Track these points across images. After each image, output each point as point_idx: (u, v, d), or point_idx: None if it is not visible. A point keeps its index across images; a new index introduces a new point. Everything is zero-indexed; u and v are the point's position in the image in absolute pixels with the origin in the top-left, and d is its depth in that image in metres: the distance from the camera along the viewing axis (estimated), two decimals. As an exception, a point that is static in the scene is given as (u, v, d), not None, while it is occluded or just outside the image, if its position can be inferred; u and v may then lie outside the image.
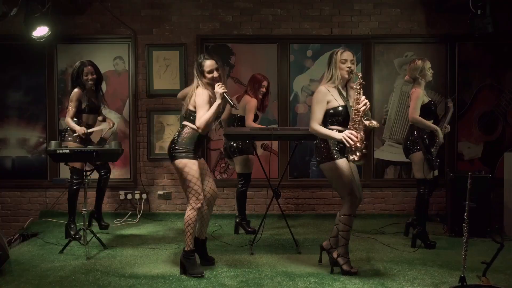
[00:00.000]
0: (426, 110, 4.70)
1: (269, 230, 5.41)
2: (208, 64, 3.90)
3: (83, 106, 5.06)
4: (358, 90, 3.72)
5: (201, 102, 3.82)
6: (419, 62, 4.75)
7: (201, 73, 3.92)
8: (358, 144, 3.63)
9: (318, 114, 3.80)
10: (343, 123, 3.80)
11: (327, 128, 3.79)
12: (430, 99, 4.78)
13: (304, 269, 4.02)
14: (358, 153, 3.66)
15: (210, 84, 3.92)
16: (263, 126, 5.28)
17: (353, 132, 3.64)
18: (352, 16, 6.25)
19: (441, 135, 4.68)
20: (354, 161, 3.71)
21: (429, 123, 4.68)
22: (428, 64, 4.74)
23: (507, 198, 5.43)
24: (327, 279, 3.75)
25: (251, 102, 5.14)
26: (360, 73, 3.78)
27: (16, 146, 6.31)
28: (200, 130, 3.81)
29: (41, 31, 5.33)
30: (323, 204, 6.24)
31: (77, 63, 5.12)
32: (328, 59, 3.92)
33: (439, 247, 4.73)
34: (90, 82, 5.07)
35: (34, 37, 5.36)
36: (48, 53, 6.24)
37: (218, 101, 3.82)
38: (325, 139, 3.81)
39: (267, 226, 5.42)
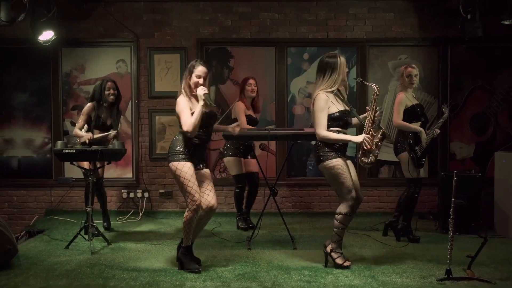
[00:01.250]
0: (412, 113, 4.92)
1: (267, 227, 5.60)
2: (200, 69, 3.97)
3: (92, 120, 5.19)
4: (375, 97, 4.03)
5: (180, 108, 3.91)
6: (401, 68, 5.02)
7: (190, 73, 3.99)
8: (373, 148, 3.92)
9: (323, 120, 3.94)
10: (343, 126, 4.03)
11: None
12: (414, 103, 4.95)
13: (299, 263, 4.20)
14: (372, 156, 3.95)
15: (192, 89, 3.99)
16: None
17: (370, 136, 3.91)
18: (347, 20, 6.45)
19: (424, 136, 4.89)
20: (366, 163, 3.98)
21: (412, 125, 4.88)
22: (411, 71, 4.91)
23: (498, 196, 5.60)
24: (320, 273, 3.93)
25: (238, 105, 5.37)
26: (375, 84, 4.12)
27: (22, 146, 6.51)
28: (189, 134, 3.86)
29: (47, 35, 5.52)
30: (319, 203, 6.43)
31: (98, 82, 5.37)
32: (324, 64, 4.01)
33: (429, 243, 4.93)
34: (111, 97, 5.20)
35: (40, 41, 5.56)
36: (53, 56, 6.44)
37: (200, 103, 3.86)
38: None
39: (264, 224, 5.62)
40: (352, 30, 6.45)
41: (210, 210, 4.01)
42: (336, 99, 4.03)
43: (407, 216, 5.04)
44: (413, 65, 4.98)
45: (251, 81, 5.45)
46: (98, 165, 5.16)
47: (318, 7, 6.43)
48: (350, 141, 3.94)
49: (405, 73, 4.92)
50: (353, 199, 3.93)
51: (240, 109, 5.34)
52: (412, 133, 4.91)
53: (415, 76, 4.91)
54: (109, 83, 5.22)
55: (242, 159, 5.47)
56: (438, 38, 6.40)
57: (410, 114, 4.92)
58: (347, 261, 4.07)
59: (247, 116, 5.38)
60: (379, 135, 3.98)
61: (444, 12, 6.13)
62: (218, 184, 6.43)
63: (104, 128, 5.23)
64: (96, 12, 6.42)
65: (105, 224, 5.53)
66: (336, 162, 3.92)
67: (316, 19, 6.44)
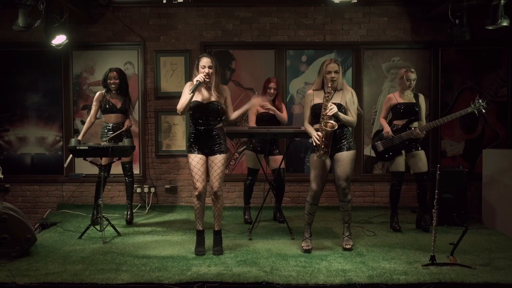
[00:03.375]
0: (393, 111, 5.44)
1: (267, 220, 5.92)
2: (204, 60, 4.36)
3: (103, 106, 5.69)
4: (327, 98, 4.33)
5: (182, 92, 4.41)
6: (402, 71, 5.37)
7: (197, 67, 4.41)
8: (322, 145, 4.29)
9: (306, 113, 4.58)
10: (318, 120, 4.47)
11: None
12: (399, 102, 5.35)
13: (296, 251, 4.52)
14: (321, 151, 4.30)
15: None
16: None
17: (319, 133, 4.30)
18: (343, 24, 6.73)
19: (386, 130, 5.36)
20: (319, 156, 4.33)
21: (384, 123, 5.47)
22: (410, 76, 5.28)
23: (485, 191, 5.87)
24: (315, 259, 4.24)
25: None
26: (329, 85, 4.36)
27: (35, 144, 6.80)
28: (179, 112, 4.35)
29: (59, 39, 5.84)
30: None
31: (107, 70, 5.75)
32: (320, 66, 4.55)
33: (418, 233, 5.27)
34: (113, 86, 5.64)
35: (53, 45, 5.88)
36: (64, 59, 6.72)
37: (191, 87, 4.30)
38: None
39: (264, 217, 5.94)
40: (348, 34, 6.72)
41: (214, 195, 4.38)
42: (325, 98, 4.38)
43: (391, 207, 5.53)
44: (413, 70, 5.33)
45: (271, 85, 5.65)
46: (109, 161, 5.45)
47: (315, 12, 6.71)
48: (310, 134, 4.44)
49: (405, 77, 5.29)
50: (311, 190, 4.46)
51: (253, 107, 5.44)
52: (381, 130, 5.49)
53: (413, 80, 5.30)
54: (112, 72, 5.66)
55: (259, 155, 5.57)
56: (429, 41, 6.68)
57: (392, 112, 5.45)
58: (307, 246, 4.50)
59: (264, 113, 5.64)
60: (325, 133, 4.28)
61: (434, 16, 6.38)
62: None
63: (116, 112, 5.68)
64: (105, 17, 6.71)
65: (128, 217, 5.85)
66: (310, 157, 4.52)
67: (314, 23, 6.72)
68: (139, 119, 6.76)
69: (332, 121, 4.27)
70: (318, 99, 4.46)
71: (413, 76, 5.29)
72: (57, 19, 5.76)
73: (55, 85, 6.78)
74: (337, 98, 4.45)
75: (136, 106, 6.75)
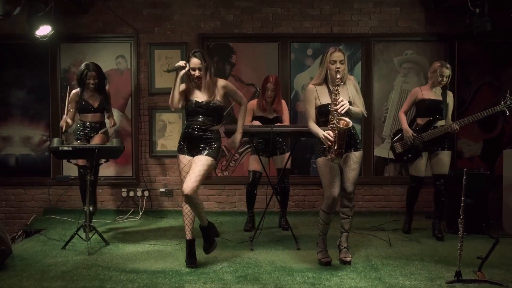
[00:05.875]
0: (417, 108, 5.13)
1: (270, 227, 5.49)
2: (193, 61, 4.04)
3: (79, 105, 5.31)
4: (336, 92, 3.83)
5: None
6: (436, 65, 5.01)
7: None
8: (334, 145, 3.78)
9: (309, 111, 4.02)
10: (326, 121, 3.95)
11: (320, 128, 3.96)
12: (425, 97, 5.02)
13: (302, 264, 4.08)
14: (333, 153, 3.79)
15: (190, 79, 4.12)
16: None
17: (330, 132, 3.79)
18: (352, 14, 6.34)
19: (408, 135, 5.02)
20: (331, 159, 3.83)
21: (403, 121, 5.11)
22: (444, 72, 4.94)
23: (506, 195, 5.48)
24: (325, 274, 3.80)
25: (249, 104, 5.19)
26: (338, 77, 3.83)
27: (20, 144, 6.43)
28: (171, 108, 4.15)
29: (44, 30, 5.45)
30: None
31: (83, 66, 5.30)
32: (322, 57, 4.05)
33: (436, 243, 4.82)
34: (91, 86, 5.29)
35: (37, 36, 5.49)
36: (51, 52, 6.34)
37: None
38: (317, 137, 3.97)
39: (268, 223, 5.52)
40: (357, 25, 6.34)
41: (185, 197, 3.88)
42: (326, 92, 3.97)
43: (406, 210, 5.35)
44: (448, 65, 5.00)
45: (269, 85, 5.19)
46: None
47: (322, 2, 6.33)
48: (317, 136, 3.91)
49: (439, 71, 4.95)
50: (329, 198, 3.93)
51: (249, 109, 5.13)
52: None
53: (446, 76, 4.97)
54: (91, 72, 5.26)
55: (262, 157, 5.15)
56: (445, 34, 6.28)
57: (416, 107, 5.14)
58: (326, 258, 4.07)
59: (258, 118, 5.24)
60: (337, 130, 3.78)
61: (451, 6, 6.00)
62: (219, 182, 6.36)
63: (93, 111, 5.32)
64: (95, 6, 6.33)
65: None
66: (319, 161, 3.99)
67: (320, 14, 6.33)
68: (131, 117, 6.39)
69: (346, 118, 3.79)
70: (323, 98, 3.96)
71: (447, 72, 4.96)
72: (41, 8, 5.38)
73: (42, 80, 6.40)
74: (344, 93, 3.95)
75: (129, 103, 6.38)
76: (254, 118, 5.27)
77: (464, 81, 6.30)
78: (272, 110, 5.26)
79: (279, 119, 5.26)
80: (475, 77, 6.32)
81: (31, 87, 6.40)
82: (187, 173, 3.99)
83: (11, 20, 4.99)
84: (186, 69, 4.03)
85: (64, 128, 5.12)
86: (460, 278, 3.60)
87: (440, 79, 4.94)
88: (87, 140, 5.23)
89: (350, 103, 3.92)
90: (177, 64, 4.04)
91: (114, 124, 5.56)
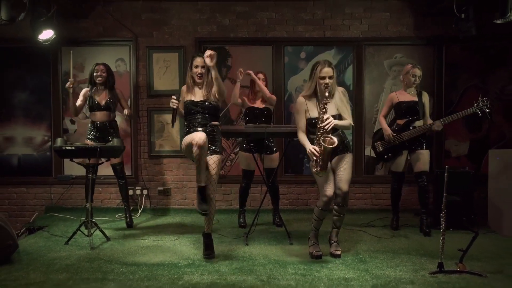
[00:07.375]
0: (395, 110, 5.37)
1: (264, 224, 5.67)
2: (197, 60, 4.33)
3: (88, 104, 5.48)
4: (323, 110, 3.99)
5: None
6: (408, 67, 5.26)
7: (190, 67, 4.38)
8: (319, 160, 3.98)
9: (299, 123, 4.22)
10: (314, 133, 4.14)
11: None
12: (400, 100, 5.28)
13: (295, 258, 4.27)
14: (318, 167, 4.00)
15: (194, 80, 4.36)
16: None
17: (316, 148, 3.97)
18: (344, 19, 6.50)
19: (386, 133, 5.26)
20: (316, 172, 4.04)
21: (383, 123, 5.36)
22: (416, 72, 5.20)
23: (491, 192, 5.65)
24: (315, 267, 3.99)
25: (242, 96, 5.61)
26: (326, 94, 3.98)
27: (22, 144, 6.56)
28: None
29: (46, 34, 5.61)
30: (316, 199, 6.38)
31: (93, 64, 5.56)
32: (311, 69, 4.17)
33: (423, 238, 5.02)
34: (99, 79, 5.44)
35: (40, 40, 5.65)
36: (52, 55, 6.49)
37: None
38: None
39: (262, 220, 5.70)
40: (349, 29, 6.50)
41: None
42: (316, 106, 4.13)
43: (391, 208, 5.54)
44: (419, 66, 5.25)
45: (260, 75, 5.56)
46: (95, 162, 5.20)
47: (314, 7, 6.48)
48: (305, 146, 4.10)
49: (411, 72, 5.20)
50: (324, 196, 4.11)
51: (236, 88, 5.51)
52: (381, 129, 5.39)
53: (418, 77, 5.22)
54: (99, 66, 5.48)
55: (255, 155, 5.31)
56: (433, 37, 6.45)
57: (395, 110, 5.38)
58: (317, 252, 4.24)
59: (250, 108, 5.47)
60: (321, 148, 3.95)
61: (439, 11, 6.17)
62: (217, 181, 6.48)
63: (100, 109, 5.47)
64: (95, 11, 6.47)
65: (128, 220, 5.64)
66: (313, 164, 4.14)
67: (313, 18, 6.49)
68: (131, 118, 6.48)
69: (331, 136, 3.95)
70: (312, 111, 4.13)
71: (418, 72, 5.21)
72: (44, 13, 5.53)
73: (44, 82, 6.55)
74: (332, 108, 4.10)
75: (128, 104, 6.47)
76: (247, 109, 5.49)
77: (451, 83, 6.48)
78: (261, 101, 5.51)
79: (269, 110, 5.51)
80: (462, 80, 6.48)
81: (33, 89, 6.54)
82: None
83: (15, 24, 5.12)
84: (175, 107, 4.27)
85: (68, 84, 5.33)
86: (443, 269, 3.79)
87: (413, 79, 5.17)
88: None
89: (336, 116, 4.07)
90: (173, 106, 4.27)
91: (130, 112, 5.62)
